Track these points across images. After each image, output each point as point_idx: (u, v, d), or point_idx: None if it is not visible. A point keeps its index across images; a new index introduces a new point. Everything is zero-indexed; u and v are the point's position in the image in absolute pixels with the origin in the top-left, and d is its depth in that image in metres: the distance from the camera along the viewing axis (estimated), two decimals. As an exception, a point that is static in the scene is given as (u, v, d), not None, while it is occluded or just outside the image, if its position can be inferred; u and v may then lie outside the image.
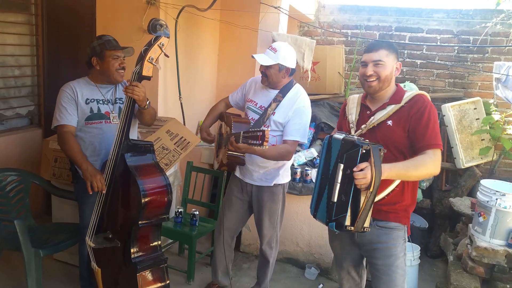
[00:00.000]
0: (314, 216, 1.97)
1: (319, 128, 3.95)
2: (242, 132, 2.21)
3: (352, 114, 2.13)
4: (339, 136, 1.86)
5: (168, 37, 2.09)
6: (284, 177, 2.72)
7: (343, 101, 4.13)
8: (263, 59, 2.48)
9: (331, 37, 4.71)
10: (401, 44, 4.48)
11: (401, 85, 4.11)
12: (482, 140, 4.09)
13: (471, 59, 4.36)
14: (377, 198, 1.78)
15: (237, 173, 2.73)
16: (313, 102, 4.23)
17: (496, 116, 4.00)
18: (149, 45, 2.08)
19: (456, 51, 4.38)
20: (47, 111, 4.06)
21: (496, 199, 3.20)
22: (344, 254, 2.26)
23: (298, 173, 3.41)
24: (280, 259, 3.63)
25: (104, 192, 2.23)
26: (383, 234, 2.03)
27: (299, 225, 3.53)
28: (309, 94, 4.21)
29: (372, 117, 2.02)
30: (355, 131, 2.06)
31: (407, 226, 2.08)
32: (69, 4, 3.77)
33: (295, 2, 3.72)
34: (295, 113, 2.53)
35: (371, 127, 2.01)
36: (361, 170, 1.66)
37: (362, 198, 1.69)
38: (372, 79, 1.99)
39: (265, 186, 2.65)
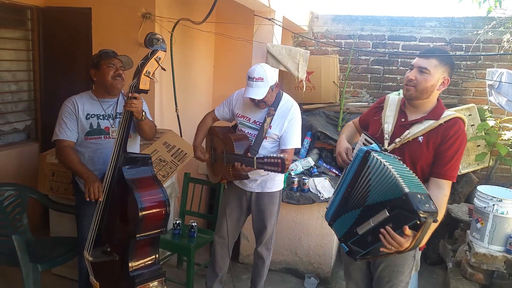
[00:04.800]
0: (330, 225, 1.94)
1: (315, 137, 3.97)
2: (255, 158, 2.33)
3: (389, 123, 2.01)
4: (401, 184, 1.59)
5: (165, 51, 2.11)
6: (280, 184, 2.85)
7: (338, 110, 4.20)
8: (258, 93, 2.52)
9: (325, 47, 4.76)
10: (395, 53, 4.53)
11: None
12: (478, 146, 4.12)
13: (464, 66, 4.40)
14: None
15: (236, 182, 2.77)
16: (308, 111, 4.29)
17: (490, 122, 4.03)
18: (146, 59, 2.09)
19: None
20: (44, 125, 4.06)
21: (493, 205, 3.22)
22: (353, 265, 2.20)
23: (296, 183, 3.42)
24: (279, 269, 3.62)
25: (100, 199, 2.23)
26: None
27: (298, 235, 3.53)
28: (304, 104, 4.31)
29: (408, 132, 1.92)
30: (389, 144, 1.96)
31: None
32: (65, 19, 3.80)
33: (288, 14, 3.76)
34: (290, 124, 2.65)
35: (405, 142, 1.93)
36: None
37: (384, 250, 1.62)
38: (410, 85, 1.91)
39: (265, 192, 2.76)
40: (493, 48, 4.28)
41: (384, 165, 1.67)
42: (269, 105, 2.64)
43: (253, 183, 2.73)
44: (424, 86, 1.88)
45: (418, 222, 1.50)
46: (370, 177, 1.72)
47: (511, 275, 3.19)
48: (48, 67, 3.98)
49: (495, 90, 3.88)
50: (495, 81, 3.82)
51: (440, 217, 1.72)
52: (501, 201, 3.19)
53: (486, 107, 4.28)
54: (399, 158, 1.79)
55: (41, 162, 3.24)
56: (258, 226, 2.85)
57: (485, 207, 3.26)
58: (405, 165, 1.74)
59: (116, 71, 2.47)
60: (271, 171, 2.27)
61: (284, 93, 2.76)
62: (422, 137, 1.90)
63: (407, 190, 1.55)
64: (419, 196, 1.56)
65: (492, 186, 3.52)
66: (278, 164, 2.24)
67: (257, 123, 2.67)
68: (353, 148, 2.04)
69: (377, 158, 1.71)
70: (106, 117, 2.53)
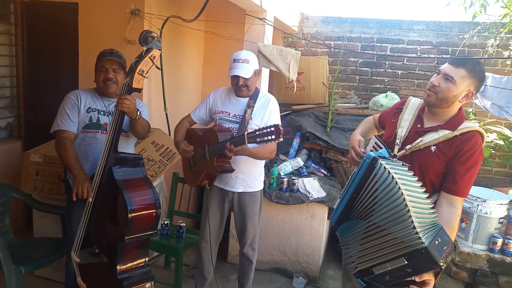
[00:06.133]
0: (335, 229, 1.88)
1: (304, 137, 3.97)
2: (246, 134, 2.28)
3: (404, 127, 1.94)
4: (417, 229, 1.53)
5: (160, 50, 2.07)
6: (261, 183, 2.86)
7: (327, 111, 4.21)
8: (244, 72, 2.57)
9: (315, 48, 4.77)
10: (382, 56, 4.57)
11: (383, 95, 4.25)
12: (462, 148, 4.18)
13: (450, 70, 4.46)
14: None
15: (217, 183, 2.75)
16: (298, 112, 4.30)
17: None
18: (140, 57, 2.06)
19: (436, 62, 4.49)
20: (27, 123, 3.96)
21: (478, 205, 3.28)
22: (345, 261, 2.15)
23: (285, 183, 3.41)
24: (267, 269, 3.61)
25: (89, 199, 2.19)
26: None
27: (287, 235, 3.53)
28: (294, 104, 4.30)
29: (421, 139, 1.85)
30: (399, 150, 1.90)
31: None
32: (50, 14, 3.70)
33: (279, 14, 3.75)
34: (271, 115, 2.71)
35: (416, 149, 1.86)
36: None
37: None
38: (432, 91, 1.83)
39: (247, 192, 2.75)
40: (477, 53, 4.36)
41: (392, 177, 1.60)
42: (250, 93, 2.69)
43: (235, 181, 2.71)
44: (446, 95, 1.80)
45: (438, 269, 1.54)
46: (377, 187, 1.66)
47: (494, 273, 3.28)
48: (32, 63, 3.88)
49: (481, 93, 3.95)
50: (480, 84, 3.88)
51: (453, 238, 1.73)
52: (485, 201, 3.26)
53: (470, 109, 4.35)
54: (408, 165, 1.74)
55: (24, 161, 3.15)
56: (241, 227, 2.83)
57: (469, 208, 3.32)
58: (412, 173, 1.70)
59: (106, 75, 2.45)
60: (266, 141, 2.20)
61: (261, 89, 2.82)
62: (434, 146, 1.82)
63: (426, 243, 1.50)
64: (437, 242, 1.53)
65: (476, 187, 3.59)
66: (272, 132, 2.18)
67: (238, 116, 2.68)
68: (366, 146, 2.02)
69: (384, 167, 1.65)
70: (106, 114, 2.53)
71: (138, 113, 2.27)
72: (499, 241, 3.27)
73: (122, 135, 2.49)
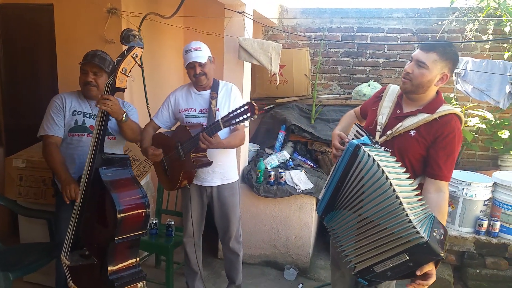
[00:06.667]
0: (322, 219, 1.89)
1: (289, 130, 3.98)
2: (219, 119, 2.30)
3: (384, 114, 1.96)
4: (413, 223, 1.51)
5: (142, 48, 2.06)
6: (236, 173, 2.88)
7: (311, 103, 4.22)
8: (199, 57, 2.59)
9: (296, 40, 4.77)
10: (363, 44, 4.59)
11: (365, 84, 4.27)
12: (445, 133, 4.24)
13: (430, 56, 4.51)
14: None
15: (194, 180, 2.73)
16: (282, 105, 4.30)
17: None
18: (122, 56, 2.04)
19: (416, 49, 4.52)
20: (7, 128, 3.89)
21: (463, 188, 3.33)
22: (342, 261, 2.10)
23: (272, 176, 3.42)
24: (258, 262, 3.63)
25: (77, 201, 2.18)
26: None
27: (276, 228, 3.54)
28: (277, 97, 4.30)
29: (400, 124, 1.87)
30: (380, 136, 1.93)
31: None
32: (25, 16, 3.62)
33: (259, 7, 3.73)
34: (236, 101, 2.72)
35: (396, 134, 1.88)
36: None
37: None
38: (407, 78, 1.85)
39: (225, 184, 2.77)
40: (457, 38, 4.40)
41: (378, 165, 1.60)
42: (210, 83, 2.70)
43: (212, 176, 2.72)
44: (420, 81, 1.82)
45: (441, 260, 1.56)
46: (362, 175, 1.65)
47: (480, 254, 3.35)
48: (9, 67, 3.80)
49: (461, 78, 4.01)
50: (461, 69, 3.93)
51: (444, 222, 1.73)
52: (470, 185, 3.31)
53: (452, 95, 4.41)
54: (390, 151, 1.75)
55: (7, 167, 3.10)
56: (223, 221, 2.83)
57: (455, 191, 3.37)
58: (394, 159, 1.70)
59: (85, 78, 2.45)
60: (242, 120, 2.22)
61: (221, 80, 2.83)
62: (414, 131, 1.84)
63: (425, 237, 1.49)
64: (435, 234, 1.53)
65: (461, 171, 3.65)
66: (247, 110, 2.20)
67: (204, 110, 2.68)
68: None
69: (368, 155, 1.65)
70: (92, 116, 2.52)
71: (124, 115, 2.26)
72: (485, 223, 3.34)
73: (109, 138, 2.48)
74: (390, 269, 1.59)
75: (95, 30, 3.28)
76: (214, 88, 2.71)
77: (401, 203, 1.53)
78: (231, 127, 2.54)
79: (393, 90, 2.05)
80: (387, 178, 1.57)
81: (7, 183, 3.07)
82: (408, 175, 1.67)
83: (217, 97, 2.68)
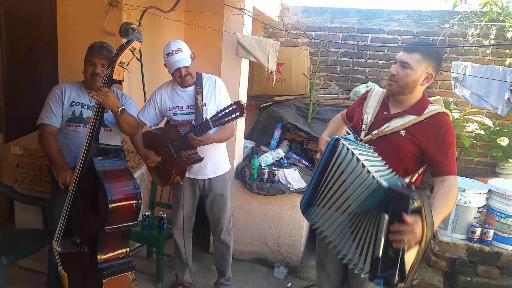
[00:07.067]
0: (303, 212, 1.91)
1: (285, 128, 4.00)
2: (209, 118, 2.35)
3: (369, 113, 1.99)
4: (378, 178, 1.58)
5: (141, 41, 2.09)
6: (228, 164, 2.93)
7: (308, 102, 4.24)
8: (184, 61, 2.60)
9: (296, 39, 4.78)
10: (363, 46, 4.59)
11: (364, 85, 4.28)
12: (442, 137, 4.23)
13: (430, 59, 4.50)
14: None
15: (187, 174, 2.77)
16: (279, 103, 4.32)
17: (455, 115, 4.13)
18: (121, 49, 2.08)
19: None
20: (8, 116, 3.95)
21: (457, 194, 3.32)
22: (327, 257, 2.15)
23: (266, 174, 3.45)
24: (249, 259, 3.66)
25: (70, 188, 2.22)
26: None
27: (268, 225, 3.57)
28: (275, 95, 4.32)
29: (387, 125, 1.90)
30: (365, 135, 1.95)
31: None
32: (28, 9, 3.67)
33: (259, 4, 3.75)
34: (221, 93, 2.76)
35: (382, 134, 1.90)
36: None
37: (412, 253, 1.54)
38: (392, 80, 1.89)
39: (218, 176, 2.81)
40: (458, 42, 4.39)
41: (352, 153, 1.67)
42: (194, 79, 2.70)
43: (204, 169, 2.76)
44: (406, 82, 1.85)
45: (416, 204, 1.48)
46: (342, 169, 1.68)
47: (472, 262, 3.30)
48: (12, 57, 3.86)
49: (460, 82, 4.00)
50: (459, 73, 3.93)
51: (451, 204, 1.73)
52: (464, 191, 3.29)
53: (451, 99, 4.40)
54: (374, 147, 1.77)
55: (5, 153, 3.15)
56: (216, 212, 2.88)
57: (448, 197, 3.36)
58: (376, 154, 1.73)
59: (93, 70, 2.48)
60: (231, 120, 2.29)
61: (203, 73, 2.83)
62: (404, 131, 1.86)
63: (385, 183, 1.53)
64: (400, 184, 1.55)
65: (456, 177, 3.64)
66: (235, 110, 2.27)
67: (191, 106, 2.70)
68: None
69: (347, 147, 1.69)
70: (90, 108, 2.55)
71: (119, 108, 2.28)
72: (478, 231, 3.30)
73: (105, 130, 2.52)
74: (386, 244, 1.56)
75: (96, 22, 3.31)
76: (198, 83, 2.72)
77: (374, 177, 1.58)
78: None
79: (378, 91, 2.08)
80: (363, 166, 1.61)
81: (5, 169, 3.12)
82: (391, 170, 1.70)
83: (202, 92, 2.70)
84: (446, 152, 1.82)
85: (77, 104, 2.55)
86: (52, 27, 3.50)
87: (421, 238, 1.50)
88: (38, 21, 3.66)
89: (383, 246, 1.56)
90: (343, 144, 1.72)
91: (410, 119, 1.86)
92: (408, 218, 1.47)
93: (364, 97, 2.12)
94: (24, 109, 3.82)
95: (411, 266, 1.53)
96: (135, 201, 2.16)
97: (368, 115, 1.99)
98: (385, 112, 1.96)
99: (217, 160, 2.80)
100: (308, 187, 1.91)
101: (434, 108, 1.87)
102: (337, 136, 1.78)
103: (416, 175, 1.95)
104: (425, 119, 1.84)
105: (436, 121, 1.83)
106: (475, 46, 4.32)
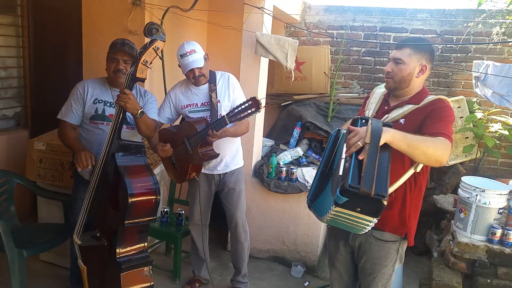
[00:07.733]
0: (309, 207, 1.93)
1: (305, 127, 3.99)
2: (225, 115, 2.39)
3: (371, 109, 2.09)
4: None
5: (164, 41, 2.15)
6: (242, 159, 2.99)
7: (328, 101, 4.21)
8: (197, 62, 2.62)
9: (317, 38, 4.75)
10: (386, 44, 4.53)
11: (383, 84, 4.22)
12: (466, 138, 4.15)
13: (454, 59, 4.41)
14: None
15: (203, 169, 2.81)
16: (299, 101, 4.31)
17: (478, 114, 4.05)
18: (145, 48, 2.14)
19: (440, 51, 4.43)
20: (34, 112, 4.05)
21: (476, 195, 3.25)
22: (337, 255, 2.18)
23: (284, 172, 3.45)
24: (266, 258, 3.66)
25: (89, 167, 2.30)
26: (375, 247, 1.99)
27: (285, 224, 3.56)
28: (295, 94, 4.31)
29: (387, 115, 1.97)
30: None
31: (407, 234, 2.00)
32: (55, 6, 3.77)
33: (279, 3, 3.74)
34: (235, 90, 2.80)
35: None
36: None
37: (364, 157, 1.55)
38: (388, 77, 1.97)
39: (233, 170, 2.88)
40: (483, 41, 4.28)
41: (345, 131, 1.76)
42: (207, 79, 2.73)
43: (219, 164, 2.81)
44: (401, 76, 1.93)
45: (363, 121, 1.70)
46: (338, 147, 1.78)
47: (492, 264, 3.23)
48: (38, 54, 3.96)
49: (481, 82, 3.90)
50: (481, 73, 3.84)
51: (432, 150, 1.69)
52: (484, 191, 3.22)
53: (475, 99, 4.30)
54: None
55: (28, 149, 3.24)
56: (229, 207, 2.91)
57: (468, 198, 3.30)
58: None
59: (116, 66, 2.52)
60: (247, 115, 2.34)
61: (216, 71, 2.86)
62: (403, 119, 1.92)
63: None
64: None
65: (477, 177, 3.56)
66: (251, 105, 2.31)
67: (206, 103, 2.74)
68: None
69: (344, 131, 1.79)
70: (113, 105, 2.59)
71: (138, 111, 2.32)
72: (498, 232, 3.23)
73: (127, 128, 2.57)
74: (345, 161, 1.63)
75: (119, 21, 3.38)
76: (212, 80, 2.76)
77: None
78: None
79: (379, 92, 2.16)
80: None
81: (28, 164, 3.21)
82: None
83: (216, 89, 2.74)
84: (440, 119, 1.82)
85: (100, 101, 2.59)
86: (78, 24, 3.58)
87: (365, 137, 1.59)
88: (65, 17, 3.75)
89: (343, 165, 1.62)
90: (343, 133, 1.80)
91: (408, 107, 1.92)
92: (352, 127, 1.68)
93: (367, 97, 2.22)
94: (49, 105, 3.90)
95: (363, 167, 1.53)
96: (154, 197, 2.21)
97: (370, 111, 2.08)
98: (386, 107, 2.03)
99: (232, 155, 2.85)
100: (313, 181, 1.95)
101: (433, 96, 1.93)
102: (338, 128, 1.89)
103: (421, 164, 1.89)
104: (422, 105, 1.90)
105: (432, 102, 1.89)
106: (485, 44, 4.21)
